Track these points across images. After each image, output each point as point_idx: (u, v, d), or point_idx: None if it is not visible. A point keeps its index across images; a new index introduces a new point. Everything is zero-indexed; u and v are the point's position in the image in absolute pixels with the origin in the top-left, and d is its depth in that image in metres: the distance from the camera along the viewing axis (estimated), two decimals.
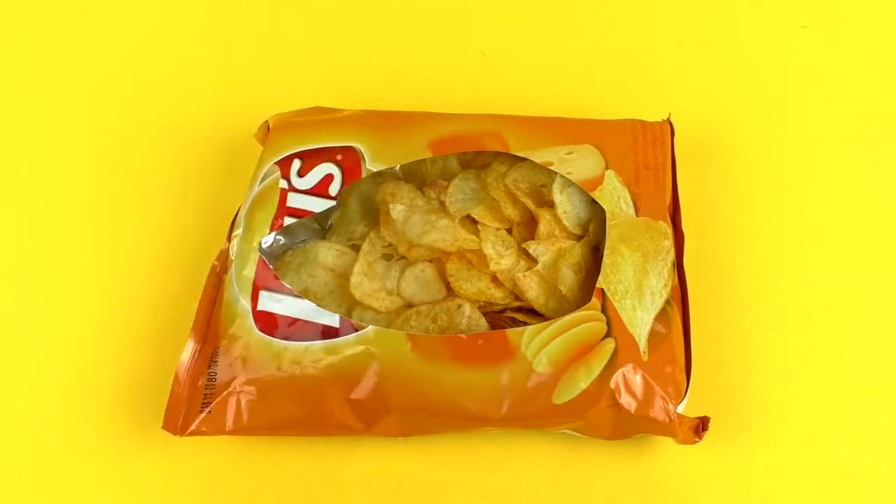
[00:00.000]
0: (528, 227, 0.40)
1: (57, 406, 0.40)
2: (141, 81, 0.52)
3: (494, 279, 0.39)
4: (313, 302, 0.38)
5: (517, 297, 0.39)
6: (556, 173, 0.40)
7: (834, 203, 0.45)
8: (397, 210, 0.41)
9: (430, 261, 0.40)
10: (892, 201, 0.45)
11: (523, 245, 0.39)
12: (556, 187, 0.40)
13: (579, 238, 0.39)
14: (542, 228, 0.40)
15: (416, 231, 0.40)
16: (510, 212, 0.40)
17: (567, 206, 0.40)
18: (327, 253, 0.40)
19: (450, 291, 0.39)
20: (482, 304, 0.39)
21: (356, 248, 0.41)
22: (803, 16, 0.53)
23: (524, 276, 0.38)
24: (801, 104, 0.50)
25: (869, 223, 0.45)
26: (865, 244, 0.44)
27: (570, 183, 0.40)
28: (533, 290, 0.38)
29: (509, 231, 0.40)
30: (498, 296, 0.39)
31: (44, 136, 0.50)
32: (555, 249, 0.39)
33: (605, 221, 0.38)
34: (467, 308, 0.38)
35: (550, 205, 0.40)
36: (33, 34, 0.54)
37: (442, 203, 0.41)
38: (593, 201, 0.39)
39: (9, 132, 0.50)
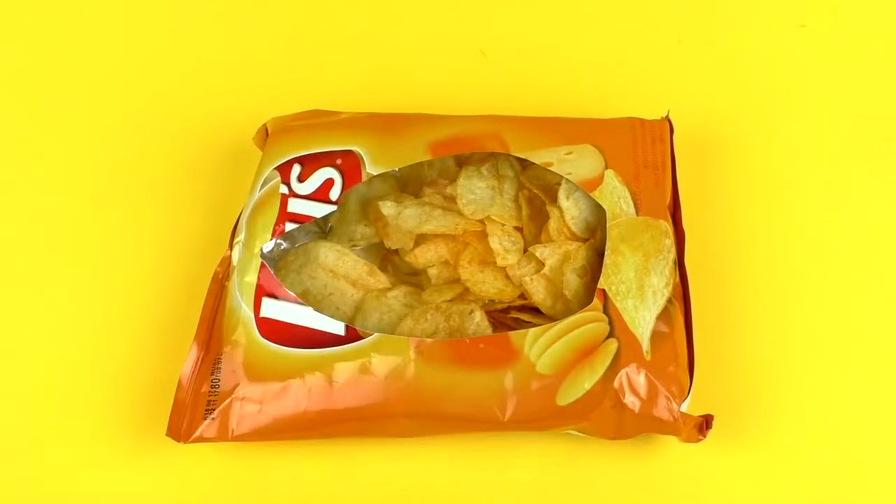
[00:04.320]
0: (537, 224, 0.41)
1: (59, 413, 0.40)
2: (138, 85, 0.52)
3: (507, 277, 0.39)
4: (313, 304, 0.38)
5: (522, 296, 0.39)
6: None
7: (834, 201, 0.45)
8: (387, 206, 0.41)
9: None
10: (891, 200, 0.45)
11: (530, 249, 0.39)
12: (562, 193, 0.40)
13: (586, 241, 0.40)
14: (553, 225, 0.40)
15: (411, 223, 0.40)
16: (525, 210, 0.40)
17: (574, 212, 0.40)
18: (328, 253, 0.40)
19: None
20: (486, 301, 0.39)
21: (356, 249, 0.41)
22: (803, 14, 0.53)
23: (531, 279, 0.39)
24: (801, 103, 0.50)
25: (869, 222, 0.45)
26: (866, 243, 0.44)
27: (576, 188, 0.40)
28: (540, 294, 0.38)
29: (519, 230, 0.40)
30: (514, 294, 0.39)
31: (40, 140, 0.49)
32: (561, 252, 0.39)
33: (605, 222, 0.38)
34: (478, 315, 0.38)
35: (556, 201, 0.40)
36: (33, 37, 0.54)
37: (447, 198, 0.41)
38: (597, 204, 0.39)
39: (8, 136, 0.50)
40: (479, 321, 0.38)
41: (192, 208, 0.46)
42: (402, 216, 0.40)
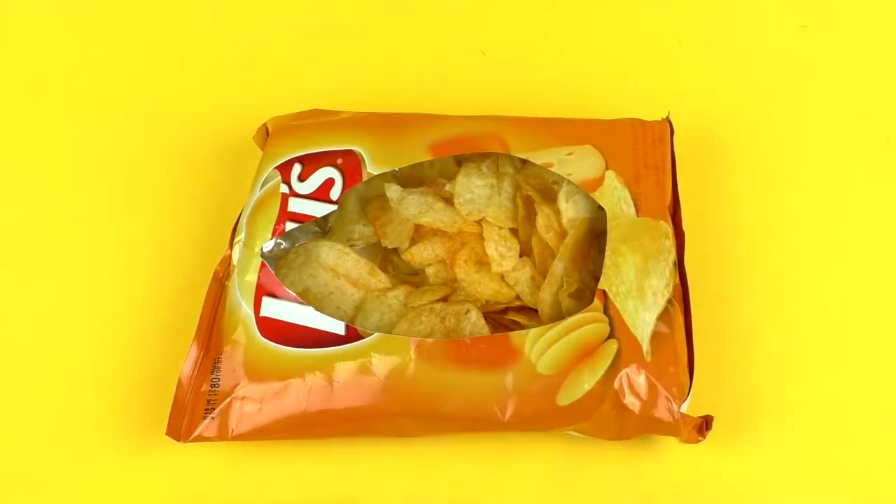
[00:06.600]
0: (532, 226, 0.41)
1: (59, 413, 0.40)
2: (139, 85, 0.52)
3: (503, 278, 0.39)
4: (313, 303, 0.38)
5: (519, 296, 0.39)
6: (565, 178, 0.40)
7: (834, 202, 0.45)
8: (392, 189, 0.41)
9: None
10: (892, 201, 0.45)
11: (526, 257, 0.40)
12: (561, 196, 0.40)
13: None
14: (541, 221, 0.40)
15: (412, 210, 0.40)
16: (521, 212, 0.40)
17: (572, 215, 0.40)
18: (328, 252, 0.40)
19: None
20: (482, 303, 0.39)
21: (355, 248, 0.41)
22: (804, 16, 0.53)
23: (528, 289, 0.39)
24: (802, 104, 0.50)
25: (869, 223, 0.45)
26: (866, 243, 0.44)
27: (576, 191, 0.40)
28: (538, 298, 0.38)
29: (515, 231, 0.40)
30: (511, 296, 0.39)
31: (40, 139, 0.49)
32: (556, 278, 0.39)
33: (605, 222, 0.38)
34: (474, 314, 0.38)
35: (554, 200, 0.40)
36: (33, 37, 0.54)
37: (446, 200, 0.41)
38: (598, 207, 0.39)
39: (8, 136, 0.50)
40: (475, 321, 0.38)
41: (192, 208, 0.46)
42: (405, 202, 0.40)
